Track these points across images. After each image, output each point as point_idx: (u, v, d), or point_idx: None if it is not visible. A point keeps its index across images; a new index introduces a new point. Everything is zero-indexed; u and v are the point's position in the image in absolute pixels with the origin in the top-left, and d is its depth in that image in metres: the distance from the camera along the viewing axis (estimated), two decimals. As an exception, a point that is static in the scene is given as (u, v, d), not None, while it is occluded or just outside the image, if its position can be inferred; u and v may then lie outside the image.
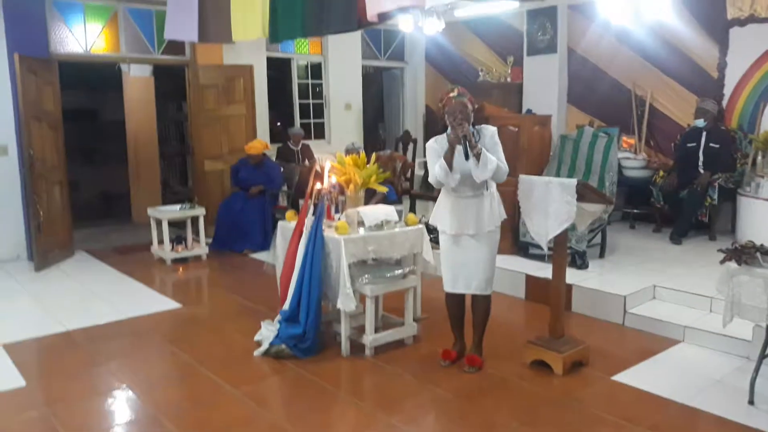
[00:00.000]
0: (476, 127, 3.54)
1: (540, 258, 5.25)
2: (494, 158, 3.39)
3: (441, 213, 3.70)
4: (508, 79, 8.34)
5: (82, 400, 3.46)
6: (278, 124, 9.52)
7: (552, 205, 3.56)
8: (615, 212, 6.60)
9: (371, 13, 4.32)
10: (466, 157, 3.38)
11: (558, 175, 5.78)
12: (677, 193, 6.21)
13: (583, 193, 3.55)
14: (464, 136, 3.35)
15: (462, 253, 3.62)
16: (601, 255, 5.51)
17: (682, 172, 6.25)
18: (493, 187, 3.60)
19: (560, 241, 3.67)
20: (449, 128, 3.48)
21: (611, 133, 6.36)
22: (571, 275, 4.52)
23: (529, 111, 7.52)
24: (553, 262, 3.76)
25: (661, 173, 6.52)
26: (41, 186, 6.29)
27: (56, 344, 4.32)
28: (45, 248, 6.33)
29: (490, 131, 3.55)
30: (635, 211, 6.90)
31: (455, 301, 3.79)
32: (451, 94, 3.54)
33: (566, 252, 3.85)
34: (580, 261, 5.15)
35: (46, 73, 6.52)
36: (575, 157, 5.82)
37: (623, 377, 3.61)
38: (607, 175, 5.55)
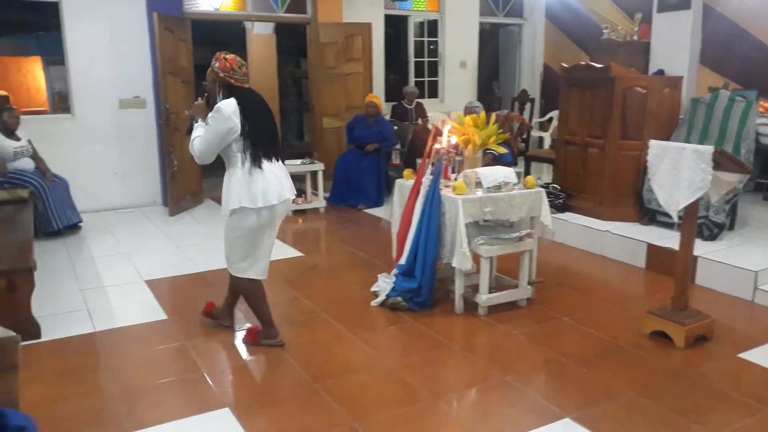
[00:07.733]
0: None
1: (669, 226, 5.04)
2: (196, 133, 3.31)
3: None
4: (635, 38, 7.89)
5: (216, 336, 3.78)
6: (391, 77, 9.58)
7: (685, 173, 3.40)
8: (748, 182, 6.17)
9: None
10: (188, 132, 3.40)
11: (688, 141, 5.45)
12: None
13: (720, 161, 3.35)
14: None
15: None
16: (731, 227, 5.21)
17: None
18: (240, 165, 3.35)
19: (691, 210, 3.51)
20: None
21: (749, 97, 5.89)
22: (698, 247, 4.31)
23: (660, 71, 7.10)
24: (681, 232, 3.61)
25: (804, 142, 6.00)
26: (175, 138, 6.77)
27: (192, 283, 4.72)
28: (178, 195, 6.85)
29: (218, 105, 3.24)
30: (771, 182, 6.43)
31: None
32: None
33: (696, 222, 3.68)
34: (708, 232, 4.90)
35: (181, 31, 6.92)
36: (708, 122, 5.46)
37: (751, 355, 3.45)
38: (743, 143, 5.18)
